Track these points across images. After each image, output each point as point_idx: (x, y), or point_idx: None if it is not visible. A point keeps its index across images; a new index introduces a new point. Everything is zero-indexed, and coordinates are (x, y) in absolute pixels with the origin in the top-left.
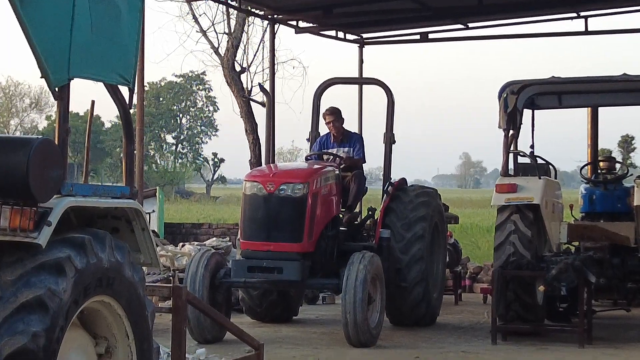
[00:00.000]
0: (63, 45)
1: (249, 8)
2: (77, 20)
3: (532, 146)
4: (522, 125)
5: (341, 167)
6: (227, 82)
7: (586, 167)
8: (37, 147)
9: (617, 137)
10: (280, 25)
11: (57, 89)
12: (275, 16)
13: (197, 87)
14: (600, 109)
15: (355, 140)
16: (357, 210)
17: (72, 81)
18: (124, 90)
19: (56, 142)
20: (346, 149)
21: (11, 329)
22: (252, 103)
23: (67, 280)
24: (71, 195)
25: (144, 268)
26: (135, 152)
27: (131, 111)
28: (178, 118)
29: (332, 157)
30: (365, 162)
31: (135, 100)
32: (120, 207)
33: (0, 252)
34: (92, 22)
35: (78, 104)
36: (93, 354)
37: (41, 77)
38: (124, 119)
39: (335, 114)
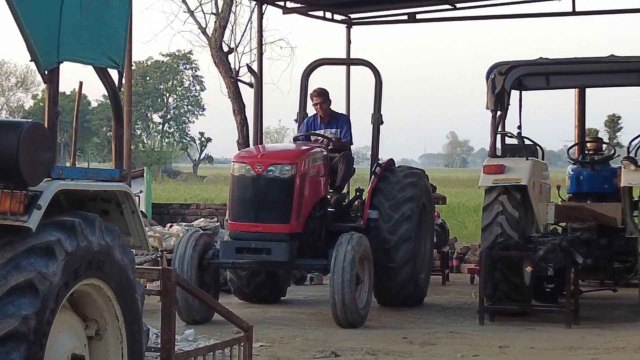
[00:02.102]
0: (52, 28)
1: None
2: (66, 2)
3: (519, 127)
4: (509, 106)
5: (329, 148)
6: (215, 63)
7: (573, 148)
8: (26, 130)
9: (603, 117)
10: (268, 5)
11: (46, 72)
12: None
13: (184, 67)
14: (587, 89)
15: (342, 122)
16: (345, 191)
17: (61, 64)
18: (113, 73)
19: (46, 125)
20: (333, 130)
21: (1, 312)
22: (239, 83)
23: (57, 263)
24: (61, 178)
25: (132, 250)
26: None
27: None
28: (165, 97)
29: (320, 138)
30: (352, 144)
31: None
32: (110, 190)
33: None
34: (82, 4)
35: (64, 83)
36: (83, 336)
37: (30, 61)
38: (113, 102)
39: (322, 96)
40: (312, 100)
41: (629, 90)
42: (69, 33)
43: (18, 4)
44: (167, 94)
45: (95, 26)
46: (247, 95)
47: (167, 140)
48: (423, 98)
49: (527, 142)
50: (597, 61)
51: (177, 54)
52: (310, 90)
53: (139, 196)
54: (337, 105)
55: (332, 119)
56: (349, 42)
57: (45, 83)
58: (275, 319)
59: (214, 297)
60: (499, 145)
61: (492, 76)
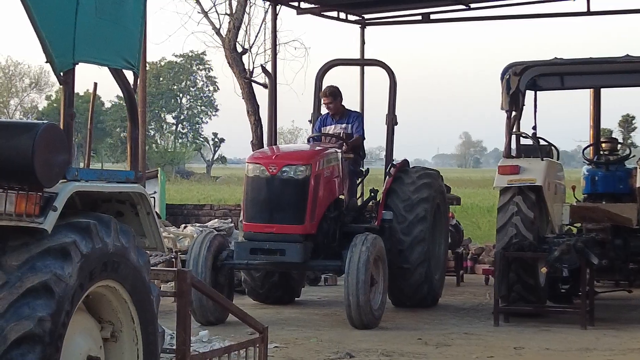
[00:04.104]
0: (68, 30)
1: None
2: (82, 3)
3: (534, 127)
4: (524, 107)
5: (342, 148)
6: (229, 63)
7: (588, 148)
8: (42, 132)
9: (617, 117)
10: (282, 6)
11: (62, 73)
12: None
13: (197, 67)
14: (602, 89)
15: (354, 118)
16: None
17: (76, 65)
18: (129, 74)
19: (61, 127)
20: (344, 126)
21: (17, 314)
22: (253, 84)
23: (73, 265)
24: (76, 180)
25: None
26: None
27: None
28: (178, 98)
29: (333, 137)
30: (364, 139)
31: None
32: (124, 192)
33: (5, 237)
34: (97, 5)
35: (78, 84)
36: (99, 338)
37: (46, 62)
38: (128, 104)
39: (331, 96)
40: (322, 99)
41: None
42: (84, 34)
43: (33, 5)
44: (181, 95)
45: (111, 27)
46: (261, 95)
47: (180, 140)
48: (436, 98)
49: (542, 142)
50: (612, 61)
51: (190, 54)
52: None
53: (154, 197)
54: (351, 105)
55: (343, 115)
56: (362, 42)
57: (60, 84)
58: (289, 320)
59: (228, 298)
60: (513, 145)
61: (507, 76)
